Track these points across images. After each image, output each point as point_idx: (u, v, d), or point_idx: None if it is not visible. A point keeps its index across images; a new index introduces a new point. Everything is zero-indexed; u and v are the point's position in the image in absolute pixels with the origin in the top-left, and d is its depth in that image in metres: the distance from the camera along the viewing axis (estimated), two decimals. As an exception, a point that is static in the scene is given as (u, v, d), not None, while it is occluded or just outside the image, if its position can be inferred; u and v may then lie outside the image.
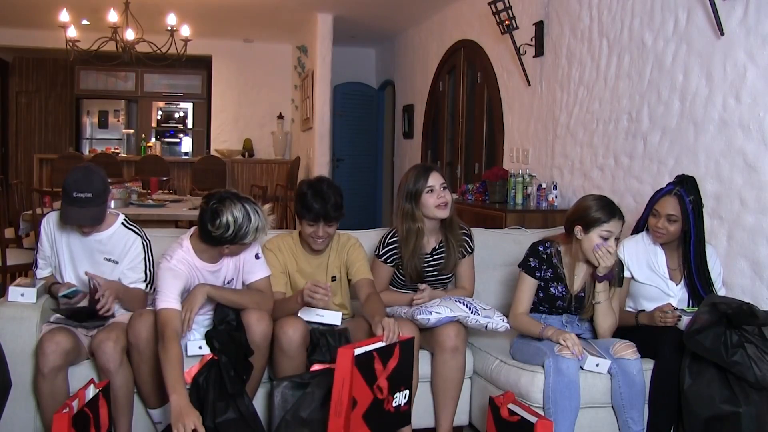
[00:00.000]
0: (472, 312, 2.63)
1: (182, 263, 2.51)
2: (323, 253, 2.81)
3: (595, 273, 2.66)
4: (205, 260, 2.58)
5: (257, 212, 2.47)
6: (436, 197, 2.78)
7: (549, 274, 2.72)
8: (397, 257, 2.85)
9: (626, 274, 2.84)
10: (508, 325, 2.67)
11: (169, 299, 2.40)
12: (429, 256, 2.88)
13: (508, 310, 3.24)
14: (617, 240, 2.66)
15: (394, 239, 2.84)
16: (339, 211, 2.67)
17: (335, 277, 2.83)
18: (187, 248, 2.56)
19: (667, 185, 2.86)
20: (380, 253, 2.86)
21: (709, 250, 2.88)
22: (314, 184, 2.68)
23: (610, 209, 2.63)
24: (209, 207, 2.44)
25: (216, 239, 2.45)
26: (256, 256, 2.68)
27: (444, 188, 2.80)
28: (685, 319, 2.66)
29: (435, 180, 2.79)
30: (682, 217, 2.76)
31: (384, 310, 2.63)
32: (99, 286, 2.51)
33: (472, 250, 2.97)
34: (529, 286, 2.73)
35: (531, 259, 2.73)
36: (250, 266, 2.67)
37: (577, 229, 2.66)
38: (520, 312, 2.72)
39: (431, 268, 2.89)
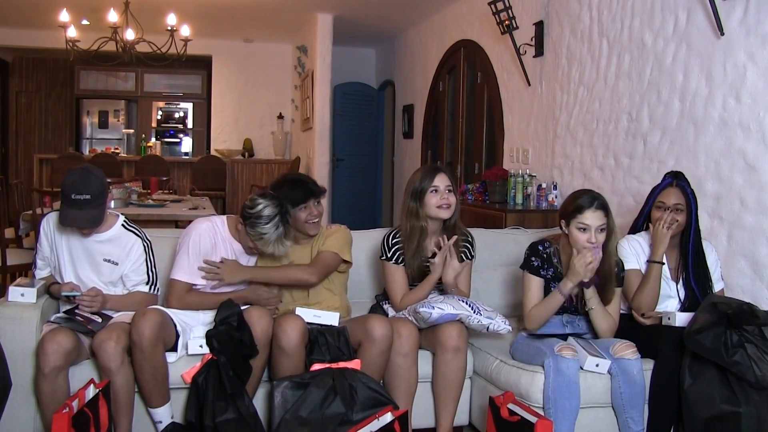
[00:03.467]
0: (474, 312, 2.63)
1: (209, 231, 2.74)
2: (311, 240, 2.88)
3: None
4: (237, 240, 2.77)
5: (278, 231, 2.62)
6: (440, 198, 2.76)
7: (550, 273, 2.72)
8: (404, 255, 2.83)
9: (629, 266, 2.84)
10: (509, 327, 2.66)
11: (182, 272, 2.70)
12: (429, 259, 2.86)
13: (509, 310, 3.26)
14: (605, 231, 2.60)
15: (397, 239, 2.84)
16: (319, 187, 2.86)
17: None
18: (222, 221, 2.80)
19: (663, 180, 2.88)
20: (388, 255, 2.82)
21: (708, 247, 2.88)
22: (284, 177, 2.90)
23: (587, 200, 2.59)
24: (268, 187, 2.76)
25: (241, 210, 2.68)
26: None
27: (449, 191, 2.79)
28: (680, 317, 2.66)
29: (441, 181, 2.78)
30: (686, 206, 2.78)
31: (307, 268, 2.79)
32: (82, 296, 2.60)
33: (473, 257, 2.92)
34: (536, 285, 2.71)
35: (533, 259, 2.73)
36: None
37: (562, 223, 2.67)
38: (530, 313, 2.70)
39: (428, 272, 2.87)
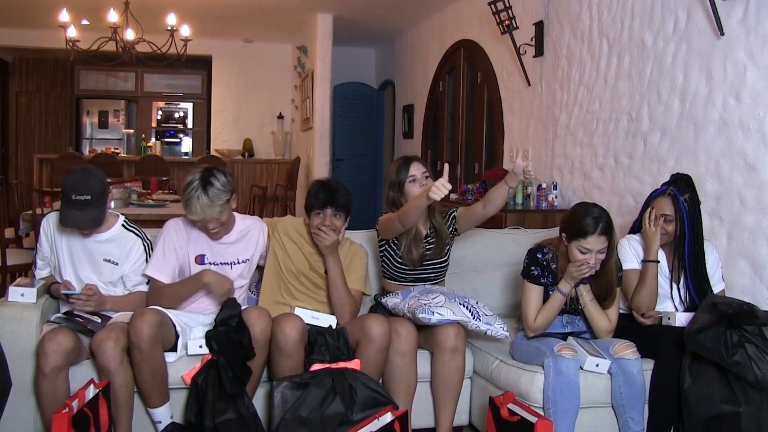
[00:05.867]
0: (473, 317, 2.64)
1: (183, 225, 2.74)
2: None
3: None
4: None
5: (198, 194, 2.55)
6: (418, 185, 2.83)
7: (550, 279, 2.72)
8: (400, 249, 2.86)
9: (628, 266, 2.84)
10: (507, 333, 2.68)
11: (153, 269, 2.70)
12: (424, 242, 2.90)
13: (509, 310, 3.26)
14: (604, 253, 2.59)
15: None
16: (345, 200, 2.76)
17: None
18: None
19: (661, 185, 2.87)
20: (388, 210, 2.87)
21: (708, 247, 2.88)
22: (324, 180, 2.85)
23: (591, 224, 2.54)
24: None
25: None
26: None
27: (426, 177, 2.86)
28: (680, 317, 2.66)
29: (416, 169, 2.86)
30: (676, 216, 2.77)
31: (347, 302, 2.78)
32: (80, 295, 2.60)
33: (457, 209, 2.98)
34: (537, 294, 2.71)
35: (533, 268, 2.72)
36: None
37: (563, 235, 2.66)
38: (535, 323, 2.70)
39: (426, 254, 2.90)
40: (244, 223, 2.84)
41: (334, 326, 2.70)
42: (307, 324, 2.64)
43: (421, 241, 2.88)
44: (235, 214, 2.82)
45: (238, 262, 2.80)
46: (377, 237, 2.93)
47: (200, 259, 2.75)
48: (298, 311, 2.68)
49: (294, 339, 2.51)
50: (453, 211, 2.98)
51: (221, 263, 2.77)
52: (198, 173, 2.61)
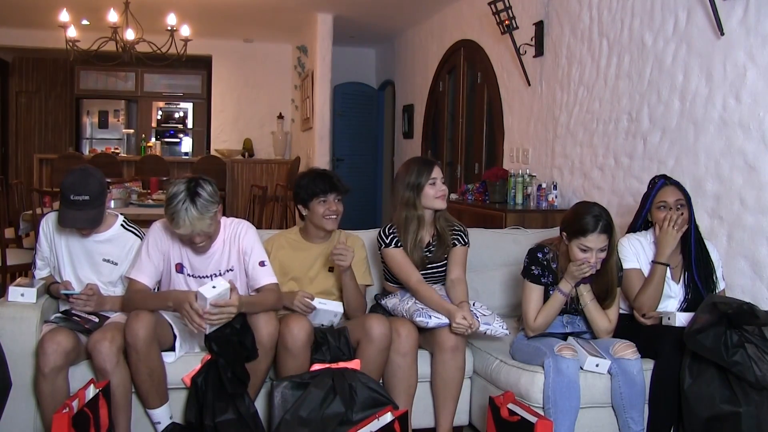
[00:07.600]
0: None
1: (168, 230, 2.60)
2: (324, 244, 2.88)
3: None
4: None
5: (186, 206, 2.42)
6: (437, 189, 2.85)
7: (550, 279, 2.72)
8: (401, 244, 2.85)
9: (628, 265, 2.83)
10: (506, 331, 2.69)
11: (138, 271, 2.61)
12: (426, 249, 2.89)
13: (509, 310, 3.26)
14: (605, 252, 2.59)
15: (393, 228, 2.87)
16: (343, 184, 2.85)
17: (332, 268, 2.87)
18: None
19: (658, 183, 2.89)
20: (387, 241, 2.84)
21: (709, 246, 2.89)
22: (310, 170, 2.92)
23: (591, 222, 2.55)
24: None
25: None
26: (262, 264, 2.66)
27: (443, 182, 2.90)
28: (680, 317, 2.66)
29: (437, 173, 2.88)
30: (686, 200, 2.80)
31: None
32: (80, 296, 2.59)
33: (466, 243, 2.93)
34: (537, 294, 2.71)
35: (533, 267, 2.72)
36: (254, 272, 2.66)
37: (563, 235, 2.66)
38: (535, 322, 2.70)
39: (427, 257, 2.89)
40: (226, 231, 2.67)
41: (341, 311, 2.73)
42: (317, 325, 2.66)
43: (422, 249, 2.88)
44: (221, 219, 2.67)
45: (220, 274, 2.64)
46: (378, 244, 2.90)
47: (179, 268, 2.64)
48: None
49: (302, 340, 2.52)
50: (459, 231, 2.93)
51: (200, 276, 2.64)
52: (182, 184, 2.47)
